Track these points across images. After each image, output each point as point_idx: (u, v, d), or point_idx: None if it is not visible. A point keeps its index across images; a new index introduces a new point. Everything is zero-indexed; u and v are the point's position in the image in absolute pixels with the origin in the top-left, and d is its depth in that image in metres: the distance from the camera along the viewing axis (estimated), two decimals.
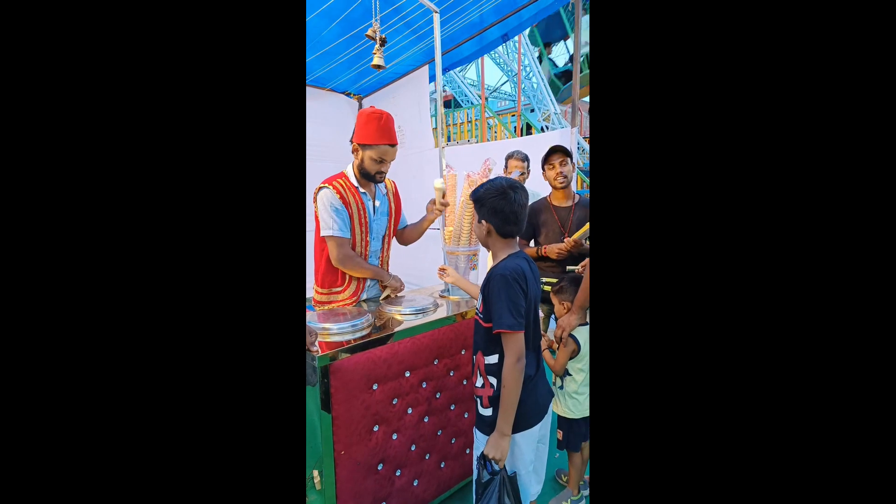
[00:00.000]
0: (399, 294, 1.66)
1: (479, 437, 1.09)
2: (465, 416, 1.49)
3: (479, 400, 1.08)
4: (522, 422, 1.02)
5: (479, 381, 1.08)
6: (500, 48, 12.01)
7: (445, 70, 4.04)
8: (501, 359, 1.00)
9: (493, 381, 1.04)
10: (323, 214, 1.46)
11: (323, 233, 1.48)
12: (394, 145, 1.47)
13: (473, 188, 1.61)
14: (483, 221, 1.07)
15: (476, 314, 1.10)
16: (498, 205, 1.03)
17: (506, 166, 2.26)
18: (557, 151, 1.98)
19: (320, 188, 1.48)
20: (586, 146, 9.73)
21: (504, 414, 0.98)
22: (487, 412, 1.05)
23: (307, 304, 1.54)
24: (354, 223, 1.52)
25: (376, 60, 1.55)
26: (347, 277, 1.57)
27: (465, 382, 1.47)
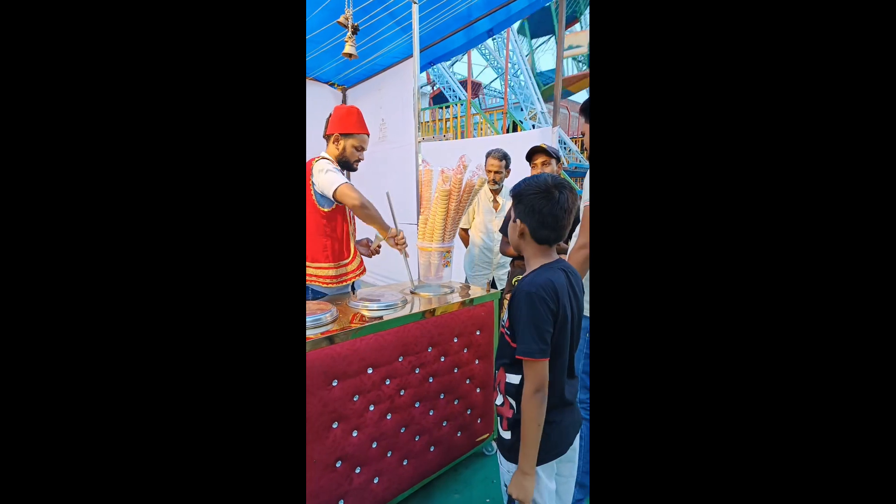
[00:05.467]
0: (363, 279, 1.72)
1: (501, 462, 1.00)
2: (431, 413, 1.47)
3: (499, 419, 1.00)
4: (546, 454, 0.91)
5: (500, 399, 0.99)
6: (490, 44, 11.95)
7: (432, 63, 3.98)
8: (523, 382, 0.90)
9: (514, 402, 0.93)
10: (324, 177, 1.49)
11: (336, 185, 1.48)
12: (368, 135, 1.65)
13: (447, 182, 1.60)
14: (518, 221, 0.93)
15: (502, 328, 0.98)
16: (537, 204, 0.89)
17: (485, 164, 2.23)
18: (539, 152, 1.95)
19: (315, 160, 1.54)
20: (573, 146, 9.73)
21: (525, 450, 0.87)
22: (507, 435, 0.95)
23: (316, 284, 1.59)
24: None
25: (348, 49, 1.50)
26: (353, 248, 1.65)
27: (430, 380, 1.45)
